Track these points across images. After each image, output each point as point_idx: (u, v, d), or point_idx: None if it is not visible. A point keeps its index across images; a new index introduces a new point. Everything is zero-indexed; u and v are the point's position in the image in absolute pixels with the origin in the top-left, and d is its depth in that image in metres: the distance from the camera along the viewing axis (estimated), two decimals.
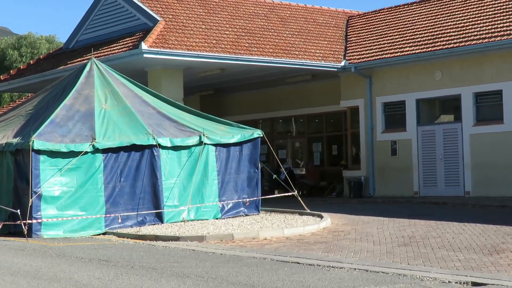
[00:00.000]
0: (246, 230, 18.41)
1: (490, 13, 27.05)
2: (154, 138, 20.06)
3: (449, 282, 11.57)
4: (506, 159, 24.91)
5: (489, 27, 26.16)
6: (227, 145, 21.54)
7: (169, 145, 20.46)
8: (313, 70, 29.80)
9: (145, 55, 24.53)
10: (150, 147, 20.07)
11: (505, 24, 25.69)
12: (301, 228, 18.46)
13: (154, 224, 19.85)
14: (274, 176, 23.28)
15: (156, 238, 17.61)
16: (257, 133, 22.25)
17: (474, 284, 11.39)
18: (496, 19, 26.44)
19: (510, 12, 26.25)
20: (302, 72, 30.26)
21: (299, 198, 22.35)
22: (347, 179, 30.06)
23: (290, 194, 22.74)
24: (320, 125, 34.66)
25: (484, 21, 26.80)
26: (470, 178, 26.00)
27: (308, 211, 21.68)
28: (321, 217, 20.33)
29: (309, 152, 34.68)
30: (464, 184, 26.21)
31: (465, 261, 13.46)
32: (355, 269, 12.81)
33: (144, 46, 24.41)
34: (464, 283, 11.47)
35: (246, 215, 21.60)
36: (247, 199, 21.69)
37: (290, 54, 28.51)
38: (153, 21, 26.46)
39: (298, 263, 13.61)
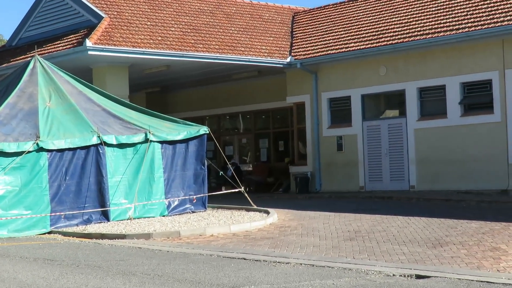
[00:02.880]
0: (193, 227, 18.39)
1: (434, 9, 27.38)
2: (99, 136, 19.92)
3: (393, 275, 11.70)
4: (450, 153, 25.25)
5: (433, 23, 26.47)
6: (173, 142, 21.48)
7: (114, 142, 20.33)
8: (259, 67, 29.87)
9: (89, 52, 24.32)
10: (96, 145, 19.91)
11: (448, 20, 26.02)
12: (247, 224, 18.49)
13: (100, 223, 19.71)
14: (221, 172, 23.27)
15: (102, 236, 17.49)
16: (203, 129, 22.23)
17: (418, 276, 11.55)
18: (439, 15, 26.76)
19: (453, 9, 26.60)
20: (248, 68, 30.33)
21: (246, 195, 22.39)
22: (294, 175, 30.19)
23: (237, 190, 22.76)
24: (267, 121, 34.76)
25: (428, 17, 27.11)
26: (414, 173, 26.31)
27: (255, 207, 21.73)
28: (268, 213, 20.39)
29: (256, 148, 34.75)
30: (409, 179, 26.51)
31: (410, 254, 13.63)
32: (301, 264, 12.89)
33: (88, 43, 24.19)
34: (408, 276, 11.61)
35: (193, 212, 21.57)
36: (194, 196, 21.67)
37: (236, 50, 28.52)
38: (98, 18, 26.24)
39: (244, 259, 13.64)
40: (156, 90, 35.37)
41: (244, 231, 17.81)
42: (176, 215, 21.09)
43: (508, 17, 23.91)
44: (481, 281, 11.00)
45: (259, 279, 11.35)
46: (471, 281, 11.07)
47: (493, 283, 10.88)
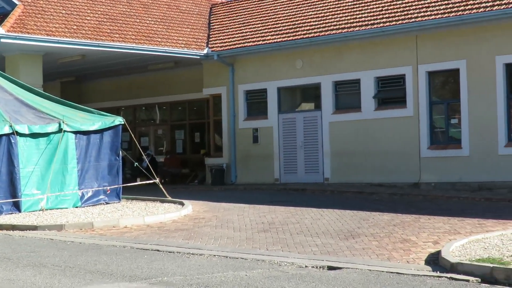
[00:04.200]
0: (107, 218, 18.21)
1: (350, 4, 27.67)
2: (11, 126, 19.51)
3: (306, 266, 11.83)
4: (364, 147, 25.61)
5: (348, 17, 26.76)
6: (87, 133, 21.20)
7: (27, 132, 19.94)
8: (176, 58, 29.73)
9: (2, 40, 23.80)
10: (7, 134, 19.49)
11: (363, 15, 26.35)
12: (162, 216, 18.41)
13: (11, 213, 19.32)
14: (136, 163, 23.10)
15: (13, 227, 17.17)
16: (118, 120, 22.01)
17: (330, 268, 11.71)
18: (355, 10, 27.06)
19: (368, 4, 26.93)
20: (164, 59, 30.14)
21: (161, 186, 22.28)
22: (209, 167, 30.19)
23: (152, 182, 22.63)
24: (183, 113, 34.64)
25: (344, 11, 27.39)
26: (329, 165, 26.60)
27: (170, 198, 21.64)
28: (183, 204, 20.33)
29: (172, 139, 34.61)
30: (323, 171, 26.78)
31: (322, 246, 13.79)
32: (214, 255, 12.91)
33: (1, 30, 23.68)
34: (320, 267, 11.76)
35: (107, 203, 21.35)
36: (108, 187, 21.45)
37: (153, 41, 28.32)
38: (11, 5, 25.67)
39: (158, 250, 13.59)
40: (71, 79, 34.86)
41: (158, 223, 17.73)
42: (89, 206, 20.84)
43: (422, 14, 24.36)
44: (391, 272, 11.22)
45: (172, 271, 11.33)
46: (381, 272, 11.28)
47: (403, 274, 11.11)
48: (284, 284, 10.30)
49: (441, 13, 23.77)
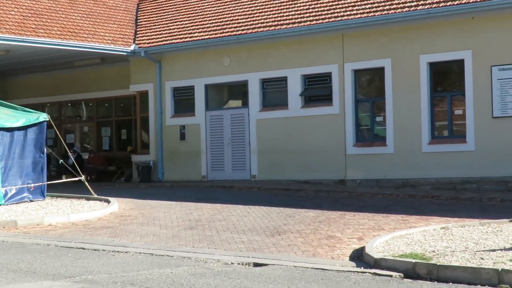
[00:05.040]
0: (30, 216, 17.94)
1: (277, 2, 27.77)
2: None
3: (232, 263, 11.86)
4: (290, 144, 25.75)
5: (276, 15, 26.87)
6: (10, 129, 20.83)
7: None
8: (102, 54, 29.44)
9: None
10: None
11: (290, 13, 26.49)
12: (87, 214, 18.22)
13: None
14: (61, 161, 22.81)
15: None
16: (43, 117, 21.69)
17: (255, 264, 11.76)
18: (282, 7, 27.18)
19: (295, 2, 27.06)
20: (91, 55, 29.82)
21: (86, 183, 22.05)
22: (136, 164, 29.98)
23: (77, 179, 22.37)
24: (110, 110, 34.31)
25: (271, 9, 27.49)
26: (256, 162, 26.68)
27: (96, 196, 21.42)
28: (108, 202, 20.16)
29: (98, 136, 34.25)
30: (251, 168, 26.85)
31: (249, 242, 13.84)
32: (140, 253, 12.85)
33: None
34: (246, 264, 11.80)
35: (31, 201, 21.03)
36: (32, 185, 21.12)
37: (79, 36, 27.98)
38: None
39: (83, 248, 13.47)
40: None
41: (84, 221, 17.53)
42: (13, 204, 20.49)
43: (348, 13, 24.61)
44: (316, 268, 11.33)
45: (97, 269, 11.23)
46: (306, 268, 11.38)
47: (327, 270, 11.22)
48: (210, 281, 10.31)
49: (367, 12, 24.05)
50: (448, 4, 22.25)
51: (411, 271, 10.89)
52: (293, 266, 11.57)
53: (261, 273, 11.03)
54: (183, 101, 29.14)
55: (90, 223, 17.15)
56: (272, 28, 26.12)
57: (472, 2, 21.77)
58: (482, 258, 11.21)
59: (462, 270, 10.52)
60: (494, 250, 11.83)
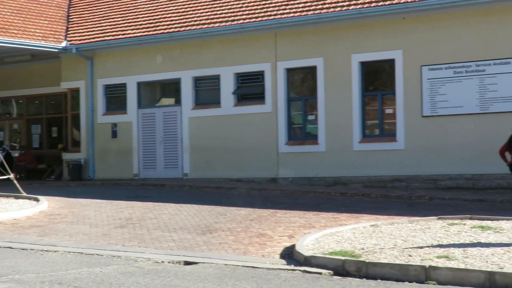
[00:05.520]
0: None
1: (210, 0, 27.73)
2: None
3: (162, 262, 11.79)
4: (223, 142, 25.75)
5: (209, 13, 26.83)
6: None
7: None
8: (33, 50, 29.00)
9: None
10: None
11: (223, 11, 26.47)
12: (16, 212, 17.89)
13: None
14: None
15: None
16: None
17: (186, 263, 11.71)
18: (215, 5, 27.15)
19: (229, 0, 27.05)
20: (21, 52, 29.35)
21: (15, 182, 21.67)
22: (67, 162, 29.62)
23: (6, 177, 21.98)
24: (40, 107, 33.82)
25: (204, 7, 27.43)
26: (188, 161, 26.59)
27: (25, 194, 21.07)
28: (38, 200, 19.84)
29: (28, 134, 33.73)
30: (183, 166, 26.76)
31: (179, 241, 13.77)
32: (69, 252, 12.69)
33: None
34: (176, 262, 11.75)
35: None
36: None
37: (8, 32, 27.50)
38: None
39: (11, 248, 13.23)
40: None
41: (12, 219, 17.21)
42: None
43: (281, 11, 24.70)
44: (246, 266, 11.33)
45: (25, 268, 11.05)
46: (237, 266, 11.38)
47: (258, 268, 11.24)
48: (139, 280, 10.23)
49: (300, 11, 24.18)
50: (379, 4, 22.51)
51: (340, 269, 10.97)
52: (223, 264, 11.55)
53: (192, 271, 10.98)
54: (115, 98, 28.89)
55: (19, 222, 16.86)
56: (205, 26, 26.08)
57: (403, 2, 22.06)
58: (410, 255, 11.35)
59: (390, 267, 10.64)
60: (422, 247, 12.00)
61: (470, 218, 15.24)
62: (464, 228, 14.00)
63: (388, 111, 23.33)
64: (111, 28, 29.15)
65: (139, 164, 27.80)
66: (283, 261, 11.79)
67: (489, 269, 10.19)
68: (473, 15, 21.56)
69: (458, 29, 21.79)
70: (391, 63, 23.00)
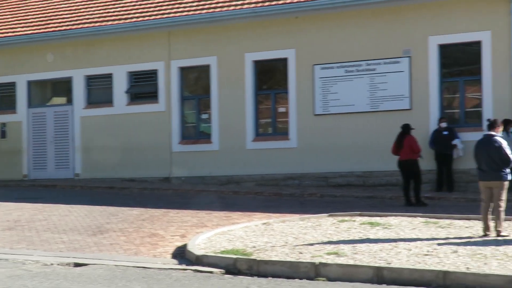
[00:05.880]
0: None
1: None
2: None
3: (51, 264, 11.57)
4: (116, 142, 25.41)
5: (102, 11, 26.45)
6: None
7: None
8: None
9: None
10: None
11: (116, 10, 26.15)
12: None
13: None
14: None
15: None
16: None
17: (76, 264, 11.53)
18: (108, 4, 26.79)
19: None
20: None
21: None
22: None
23: None
24: None
25: (97, 5, 27.04)
26: (80, 161, 26.15)
27: None
28: None
29: None
30: (74, 167, 26.29)
31: (70, 242, 13.53)
32: None
33: None
34: (66, 264, 11.55)
35: None
36: None
37: None
38: None
39: None
40: None
41: None
42: None
43: (175, 10, 24.57)
44: (138, 267, 11.24)
45: None
46: (127, 267, 11.27)
47: (149, 268, 11.16)
48: (27, 283, 10.00)
49: (193, 10, 24.12)
50: (273, 3, 22.65)
51: (232, 267, 10.99)
52: (114, 265, 11.41)
53: (81, 273, 10.81)
54: (4, 97, 28.14)
55: None
56: (98, 24, 25.71)
57: (296, 2, 22.27)
58: (300, 252, 11.47)
59: (281, 265, 10.73)
60: (312, 244, 12.15)
61: (360, 215, 15.54)
62: (354, 225, 14.25)
63: (281, 109, 23.52)
64: (0, 26, 28.39)
65: (29, 164, 27.18)
66: (175, 261, 11.73)
67: (377, 265, 10.41)
68: (364, 15, 21.93)
69: (350, 29, 22.14)
70: (284, 62, 23.18)
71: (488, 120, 13.69)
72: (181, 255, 12.14)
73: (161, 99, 24.86)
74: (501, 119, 15.37)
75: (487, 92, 20.45)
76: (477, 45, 20.73)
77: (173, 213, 16.75)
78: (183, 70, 24.86)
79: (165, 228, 14.72)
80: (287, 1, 22.49)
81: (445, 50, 21.25)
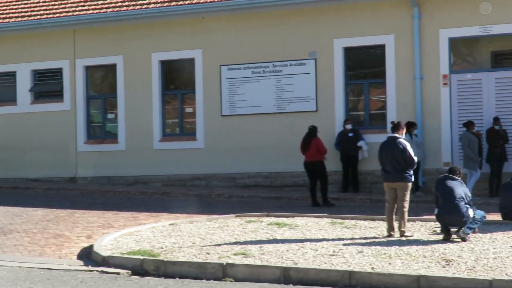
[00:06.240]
0: None
1: None
2: None
3: None
4: (20, 141, 24.87)
5: (4, 8, 25.90)
6: None
7: None
8: None
9: None
10: None
11: (20, 7, 25.65)
12: None
13: None
14: None
15: None
16: None
17: None
18: (12, 0, 26.25)
19: None
20: None
21: None
22: None
23: None
24: None
25: (0, 2, 26.46)
26: None
27: None
28: None
29: None
30: None
31: None
32: None
33: None
34: None
35: None
36: None
37: None
38: None
39: None
40: None
41: None
42: None
43: (80, 8, 24.24)
44: (42, 268, 11.07)
45: None
46: (32, 268, 11.09)
47: (54, 269, 11.00)
48: None
49: (99, 8, 23.84)
50: (179, 3, 22.59)
51: (139, 268, 10.94)
52: (18, 266, 11.21)
53: None
54: None
55: None
56: (0, 21, 25.14)
57: (203, 2, 22.26)
58: (208, 253, 11.50)
59: (189, 265, 10.73)
60: (220, 245, 12.19)
61: (267, 215, 15.66)
62: (261, 225, 14.36)
63: (188, 110, 23.48)
64: None
65: None
66: (81, 262, 11.60)
67: (284, 265, 10.52)
68: (271, 16, 22.08)
69: (257, 30, 22.26)
70: (191, 62, 23.15)
71: (392, 122, 13.99)
72: (87, 256, 12.01)
73: (66, 98, 24.48)
74: (404, 121, 15.73)
75: (391, 94, 20.88)
76: (381, 48, 21.15)
77: (79, 214, 16.53)
78: (89, 69, 24.55)
79: (70, 229, 14.51)
80: (194, 1, 22.46)
81: (350, 53, 21.62)
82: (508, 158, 19.57)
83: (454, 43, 20.56)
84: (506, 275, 9.88)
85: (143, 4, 23.20)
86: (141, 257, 11.08)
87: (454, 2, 20.40)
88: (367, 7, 21.17)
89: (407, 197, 13.37)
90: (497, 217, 14.87)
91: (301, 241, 12.56)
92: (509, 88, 19.95)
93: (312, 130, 18.84)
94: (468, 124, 19.09)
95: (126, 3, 23.56)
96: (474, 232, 12.87)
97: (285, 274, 10.29)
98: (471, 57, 21.36)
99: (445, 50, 20.37)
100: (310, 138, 18.68)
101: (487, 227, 13.73)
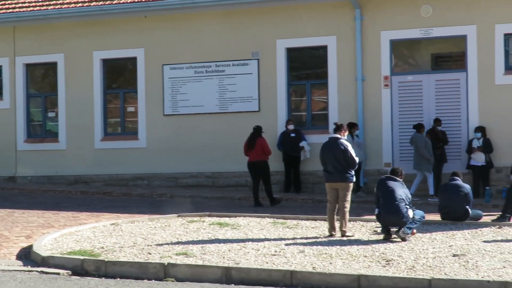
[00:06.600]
0: None
1: None
2: None
3: None
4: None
5: None
6: None
7: None
8: None
9: None
10: None
11: None
12: None
13: None
14: None
15: None
16: None
17: None
18: None
19: None
20: None
21: None
22: None
23: None
24: None
25: None
26: None
27: None
28: None
29: None
30: None
31: None
32: None
33: None
34: None
35: None
36: None
37: None
38: None
39: None
40: None
41: None
42: None
43: (20, 5, 23.92)
44: None
45: None
46: None
47: None
48: None
49: (40, 5, 23.54)
50: (121, 2, 22.42)
51: (79, 268, 10.84)
52: None
53: None
54: None
55: None
56: None
57: (145, 1, 22.11)
58: (149, 253, 11.44)
59: (130, 265, 10.67)
60: (161, 245, 12.14)
61: (209, 215, 15.65)
62: (203, 225, 14.34)
63: (130, 109, 23.32)
64: None
65: None
66: (20, 262, 11.44)
67: (225, 265, 10.53)
68: (214, 16, 22.06)
69: (199, 30, 22.21)
70: (133, 61, 22.99)
71: (335, 123, 14.10)
72: (27, 256, 11.84)
73: (5, 96, 24.11)
74: (346, 122, 15.86)
75: (333, 95, 21.02)
76: (323, 49, 21.29)
77: (18, 213, 16.29)
78: (29, 67, 24.22)
79: (9, 229, 14.29)
80: (136, 0, 22.31)
81: (293, 54, 21.72)
82: (447, 159, 19.88)
83: (395, 45, 20.81)
84: (445, 274, 10.03)
85: (84, 2, 22.97)
86: (82, 257, 10.98)
87: (396, 4, 20.65)
88: (309, 8, 21.29)
89: (349, 197, 13.48)
90: (437, 217, 15.10)
91: (243, 241, 12.58)
92: (448, 90, 20.26)
93: (257, 130, 18.88)
94: (419, 127, 19.33)
95: (68, 1, 23.30)
96: (412, 233, 13.02)
97: (226, 274, 10.29)
98: (412, 59, 21.62)
99: (386, 52, 20.61)
100: (255, 138, 18.70)
101: (427, 227, 13.93)
